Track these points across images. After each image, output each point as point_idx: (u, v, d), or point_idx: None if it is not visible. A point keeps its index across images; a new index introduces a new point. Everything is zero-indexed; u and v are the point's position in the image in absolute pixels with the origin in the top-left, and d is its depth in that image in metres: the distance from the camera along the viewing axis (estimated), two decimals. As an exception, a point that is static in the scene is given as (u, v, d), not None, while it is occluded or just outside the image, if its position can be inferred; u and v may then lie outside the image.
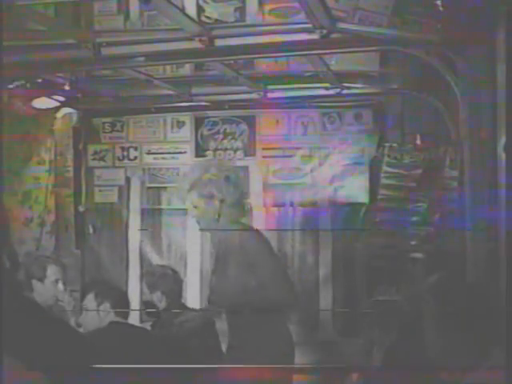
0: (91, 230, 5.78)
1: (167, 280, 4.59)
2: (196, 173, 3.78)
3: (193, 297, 5.42)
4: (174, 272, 4.74)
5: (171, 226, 5.68)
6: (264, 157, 5.51)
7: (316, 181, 5.40)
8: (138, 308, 5.05)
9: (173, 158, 5.66)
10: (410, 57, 4.21)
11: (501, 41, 2.95)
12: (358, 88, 5.01)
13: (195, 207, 3.72)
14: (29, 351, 2.18)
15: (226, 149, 5.57)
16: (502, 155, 2.93)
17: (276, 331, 3.61)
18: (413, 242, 4.96)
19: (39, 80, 4.76)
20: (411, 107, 5.15)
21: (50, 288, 4.23)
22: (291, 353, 3.69)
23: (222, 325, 3.89)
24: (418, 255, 4.90)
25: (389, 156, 5.03)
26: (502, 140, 2.93)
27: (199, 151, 5.62)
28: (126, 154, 5.74)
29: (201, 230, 3.85)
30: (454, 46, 3.46)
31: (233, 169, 3.91)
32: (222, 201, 3.67)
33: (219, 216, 3.68)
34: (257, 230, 3.86)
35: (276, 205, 5.49)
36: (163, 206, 5.70)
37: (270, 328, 3.57)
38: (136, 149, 5.72)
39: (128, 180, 5.75)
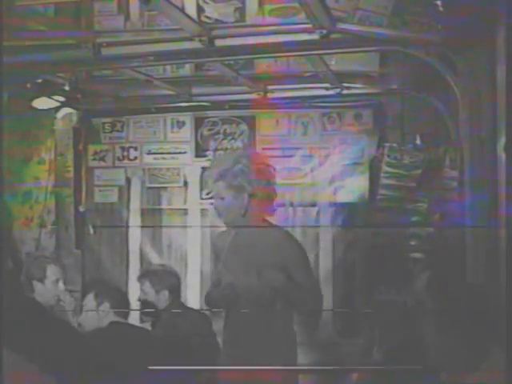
0: (91, 230, 5.78)
1: (166, 278, 4.59)
2: (227, 162, 3.51)
3: (193, 297, 5.43)
4: (172, 270, 4.74)
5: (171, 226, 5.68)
6: (264, 157, 5.50)
7: (316, 181, 5.40)
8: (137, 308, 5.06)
9: (173, 158, 5.66)
10: (409, 57, 4.21)
11: (501, 41, 2.95)
12: (357, 88, 5.02)
13: (222, 198, 3.48)
14: (29, 350, 2.18)
15: (226, 149, 5.57)
16: (502, 155, 2.93)
17: (284, 331, 3.56)
18: (413, 242, 4.96)
19: (39, 80, 4.75)
20: (411, 107, 5.15)
21: (50, 288, 4.23)
22: (295, 353, 3.67)
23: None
24: (418, 255, 4.90)
25: (389, 156, 5.03)
26: (502, 140, 2.93)
27: (199, 151, 5.62)
28: (125, 154, 5.74)
29: (226, 224, 3.60)
30: (454, 46, 3.46)
31: (266, 162, 3.64)
32: (251, 195, 3.47)
33: (246, 210, 3.47)
34: (286, 229, 3.69)
35: (276, 205, 5.47)
36: (163, 206, 5.70)
37: (278, 327, 3.52)
38: (136, 149, 5.72)
39: (128, 180, 5.75)
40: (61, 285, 4.25)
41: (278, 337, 3.49)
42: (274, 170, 3.64)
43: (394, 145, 5.07)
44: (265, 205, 3.56)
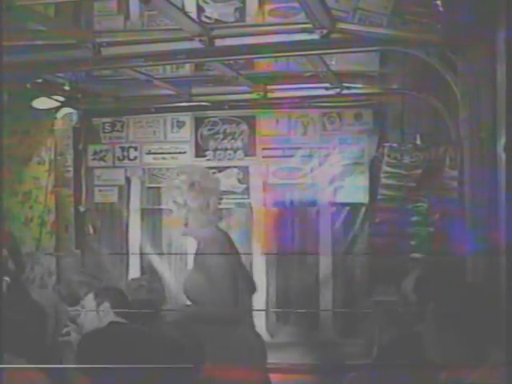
0: (91, 230, 5.78)
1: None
2: (170, 179, 3.90)
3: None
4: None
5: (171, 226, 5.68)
6: (264, 157, 5.51)
7: (316, 181, 5.40)
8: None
9: (173, 158, 5.66)
10: (409, 57, 4.22)
11: (501, 41, 2.95)
12: (357, 88, 5.02)
13: (171, 211, 3.83)
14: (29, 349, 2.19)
15: (225, 149, 5.57)
16: (502, 155, 2.93)
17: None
18: (413, 242, 4.97)
19: (39, 80, 4.75)
20: (411, 107, 5.15)
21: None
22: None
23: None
24: (418, 255, 4.90)
25: (389, 156, 5.03)
26: (502, 140, 2.93)
27: (199, 151, 5.62)
28: (126, 154, 5.74)
29: (182, 234, 3.92)
30: (454, 45, 3.46)
31: (202, 174, 3.88)
32: (187, 207, 3.72)
33: (187, 222, 3.73)
34: (224, 232, 3.87)
35: (276, 205, 5.48)
36: (163, 206, 5.70)
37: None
38: (136, 149, 5.72)
39: (128, 180, 5.75)
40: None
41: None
42: (217, 182, 3.98)
43: (394, 145, 5.07)
44: (204, 214, 3.75)
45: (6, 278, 4.12)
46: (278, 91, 5.15)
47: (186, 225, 3.73)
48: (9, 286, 4.10)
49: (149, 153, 5.70)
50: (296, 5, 3.66)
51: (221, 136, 5.59)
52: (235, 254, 3.75)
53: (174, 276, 5.47)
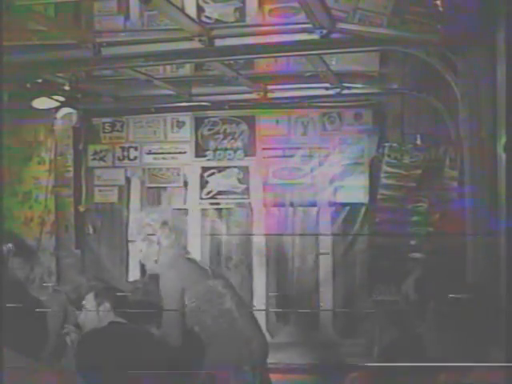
0: (91, 230, 5.78)
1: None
2: (139, 219, 4.05)
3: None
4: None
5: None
6: (264, 157, 5.51)
7: (316, 181, 5.40)
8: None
9: (173, 158, 5.66)
10: (409, 57, 4.22)
11: (501, 41, 2.95)
12: (358, 88, 5.01)
13: (140, 251, 3.93)
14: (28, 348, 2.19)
15: (225, 149, 5.57)
16: (502, 155, 2.93)
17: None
18: (413, 242, 4.97)
19: (39, 80, 4.75)
20: (411, 107, 5.15)
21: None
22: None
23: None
24: (418, 255, 4.90)
25: (389, 156, 5.03)
26: (502, 140, 2.93)
27: (199, 151, 5.62)
28: (126, 153, 5.74)
29: (149, 271, 4.02)
30: (454, 46, 3.46)
31: (172, 213, 4.14)
32: (159, 244, 3.85)
33: (158, 259, 3.85)
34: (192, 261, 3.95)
35: (276, 205, 5.49)
36: (163, 206, 5.70)
37: None
38: (136, 149, 5.72)
39: (128, 180, 5.75)
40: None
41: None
42: (185, 221, 4.30)
43: (394, 145, 5.07)
44: (176, 250, 3.87)
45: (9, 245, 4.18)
46: (278, 91, 5.15)
47: (156, 261, 3.84)
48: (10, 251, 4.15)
49: (149, 153, 5.70)
50: (296, 5, 3.66)
51: (221, 136, 5.59)
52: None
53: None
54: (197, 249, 5.58)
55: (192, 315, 3.65)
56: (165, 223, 3.87)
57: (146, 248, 3.86)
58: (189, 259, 3.91)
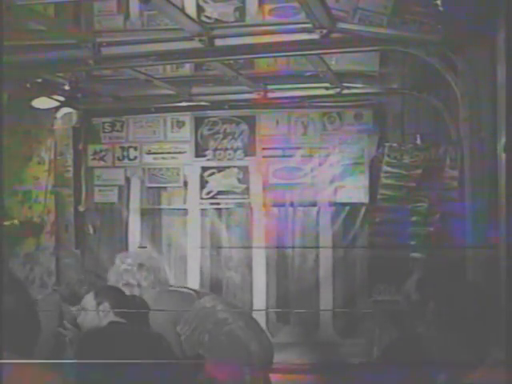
0: (91, 230, 5.78)
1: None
2: (116, 265, 4.19)
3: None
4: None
5: (171, 225, 5.68)
6: (264, 157, 5.51)
7: (316, 181, 5.40)
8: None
9: (173, 158, 5.66)
10: (409, 57, 4.22)
11: (501, 41, 2.95)
12: (358, 88, 5.02)
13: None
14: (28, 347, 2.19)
15: (226, 149, 5.57)
16: (502, 155, 2.93)
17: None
18: (413, 242, 4.96)
19: (39, 80, 4.75)
20: (411, 107, 5.15)
21: None
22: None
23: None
24: (418, 255, 4.90)
25: (389, 156, 5.03)
26: (502, 140, 2.93)
27: (199, 151, 5.62)
28: (126, 154, 5.74)
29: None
30: (454, 46, 3.46)
31: (146, 254, 4.28)
32: (140, 287, 4.00)
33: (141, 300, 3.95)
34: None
35: (276, 205, 5.48)
36: (163, 206, 5.70)
37: None
38: (136, 149, 5.72)
39: (128, 180, 5.75)
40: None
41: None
42: (160, 260, 4.37)
43: (394, 145, 5.07)
44: (155, 289, 4.03)
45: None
46: (278, 91, 5.15)
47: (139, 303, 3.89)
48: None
49: (149, 153, 5.70)
50: (296, 5, 3.66)
51: (221, 136, 5.59)
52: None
53: (173, 276, 5.46)
54: (197, 248, 5.60)
55: (189, 340, 3.70)
56: (141, 265, 4.00)
57: (128, 292, 3.92)
58: (170, 292, 4.03)
